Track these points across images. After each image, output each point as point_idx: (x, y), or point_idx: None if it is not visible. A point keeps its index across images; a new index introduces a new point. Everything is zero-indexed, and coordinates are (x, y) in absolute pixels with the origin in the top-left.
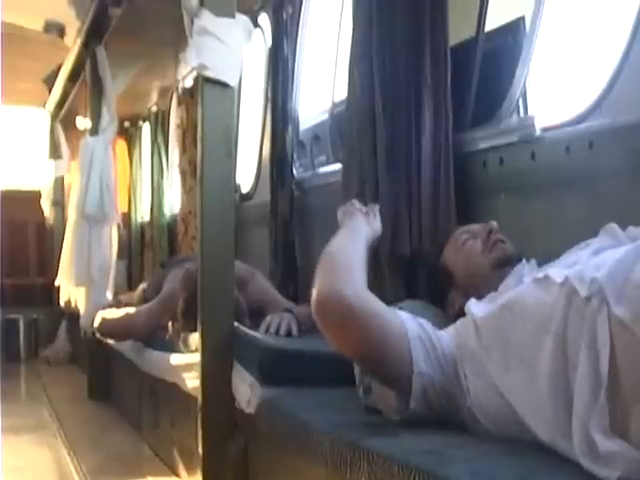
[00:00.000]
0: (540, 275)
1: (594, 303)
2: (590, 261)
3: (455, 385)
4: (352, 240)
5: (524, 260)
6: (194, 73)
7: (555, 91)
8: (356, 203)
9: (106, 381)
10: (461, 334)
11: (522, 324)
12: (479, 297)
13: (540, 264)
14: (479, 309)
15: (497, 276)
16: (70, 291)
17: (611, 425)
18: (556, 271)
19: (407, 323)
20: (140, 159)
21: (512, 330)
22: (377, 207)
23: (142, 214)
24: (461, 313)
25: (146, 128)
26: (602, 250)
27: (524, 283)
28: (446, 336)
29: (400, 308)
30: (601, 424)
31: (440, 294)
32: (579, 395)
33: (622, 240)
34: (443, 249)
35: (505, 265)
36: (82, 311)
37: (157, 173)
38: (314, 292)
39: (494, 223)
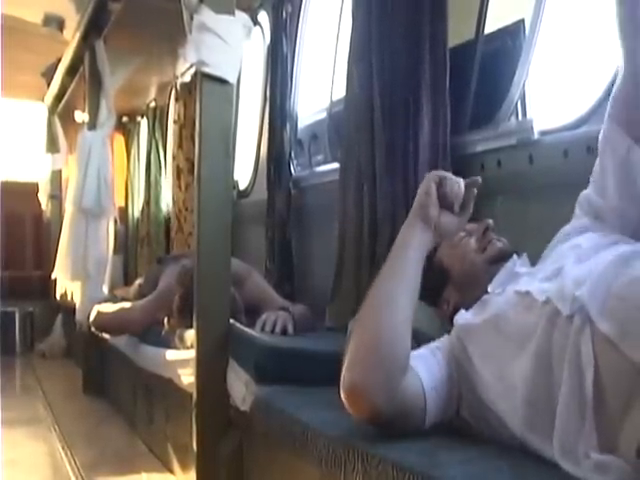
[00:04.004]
0: (522, 289)
1: (577, 321)
2: (573, 271)
3: (454, 400)
4: (404, 273)
5: (515, 255)
6: (193, 69)
7: (554, 95)
8: (448, 179)
9: (101, 376)
10: (450, 349)
11: (503, 341)
12: (474, 294)
13: (534, 265)
14: (466, 321)
15: (492, 272)
16: (66, 285)
17: (599, 443)
18: (537, 287)
19: (424, 381)
20: (138, 154)
21: (494, 346)
22: (473, 192)
23: (139, 209)
24: (455, 311)
25: (144, 123)
26: (586, 257)
27: (506, 292)
28: (442, 359)
29: None
30: (589, 444)
31: (434, 292)
32: (562, 417)
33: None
34: (437, 247)
35: (500, 261)
36: (78, 305)
37: (154, 168)
38: (344, 375)
39: (490, 221)
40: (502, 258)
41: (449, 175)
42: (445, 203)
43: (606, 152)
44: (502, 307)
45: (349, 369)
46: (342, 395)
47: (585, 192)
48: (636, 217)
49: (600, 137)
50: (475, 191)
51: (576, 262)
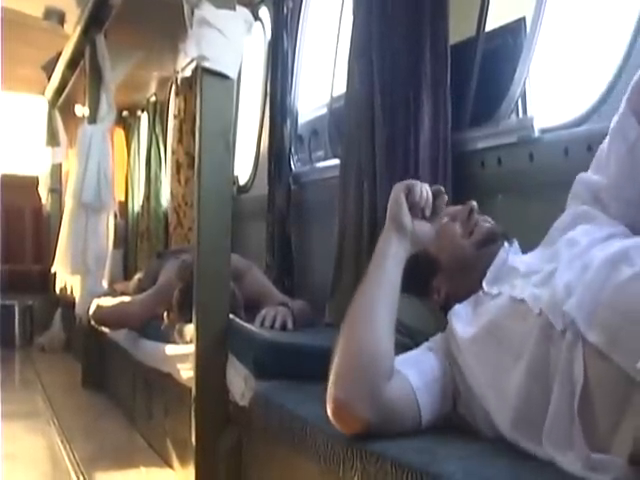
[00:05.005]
0: (517, 296)
1: (569, 337)
2: (564, 276)
3: (449, 398)
4: (382, 284)
5: (506, 244)
6: (193, 64)
7: (554, 93)
8: (416, 187)
9: (100, 370)
10: (446, 347)
11: (499, 352)
12: (466, 281)
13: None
14: (461, 327)
15: (482, 256)
16: (66, 279)
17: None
18: (531, 294)
19: (412, 381)
20: (138, 149)
21: (490, 356)
22: (444, 198)
23: (139, 204)
24: (448, 299)
25: (144, 118)
26: (579, 254)
27: (501, 297)
28: (434, 358)
29: None
30: (581, 453)
31: (422, 282)
32: (550, 424)
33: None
34: None
35: (489, 243)
36: (77, 299)
37: (155, 163)
38: (328, 392)
39: (474, 203)
40: (491, 240)
41: (416, 182)
42: (416, 211)
43: (616, 136)
44: (497, 313)
45: (332, 385)
46: (329, 413)
47: (581, 174)
48: (632, 199)
49: (614, 120)
50: (445, 197)
51: (569, 262)
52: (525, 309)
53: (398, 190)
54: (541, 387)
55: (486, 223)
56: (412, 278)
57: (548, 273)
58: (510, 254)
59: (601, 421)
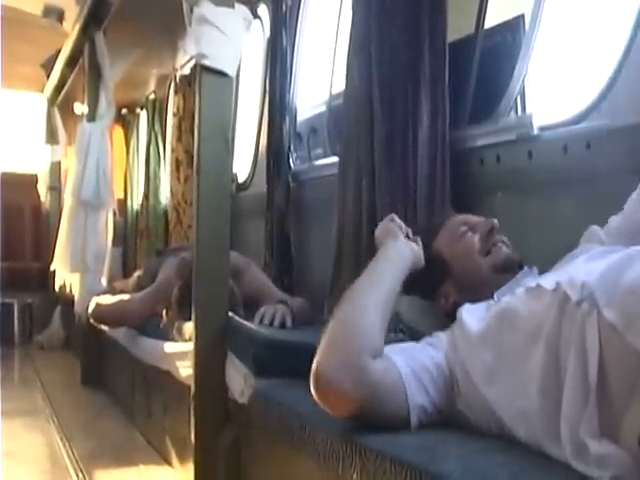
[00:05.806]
0: (532, 284)
1: (584, 307)
2: (583, 266)
3: (449, 394)
4: (379, 280)
5: (526, 267)
6: (192, 62)
7: (553, 90)
8: (397, 219)
9: (99, 367)
10: (451, 345)
11: (515, 335)
12: (475, 296)
13: (536, 263)
14: (473, 321)
15: (496, 280)
16: (65, 276)
17: (601, 430)
18: (548, 279)
19: (400, 365)
20: (137, 147)
21: (505, 342)
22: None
23: (138, 201)
24: (455, 308)
25: (143, 116)
26: (594, 258)
27: (517, 293)
28: (432, 351)
29: None
30: (591, 429)
31: (432, 285)
32: (568, 400)
33: (606, 242)
34: (435, 233)
35: (507, 271)
36: (77, 297)
37: (154, 161)
38: (313, 366)
39: (495, 221)
40: (508, 268)
41: (394, 215)
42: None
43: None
44: (509, 301)
45: (315, 360)
46: (312, 391)
47: (595, 227)
48: None
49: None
50: (418, 239)
51: (586, 261)
52: (540, 291)
53: (385, 220)
54: (557, 364)
55: (504, 247)
56: (421, 280)
57: (563, 269)
58: (529, 277)
59: (615, 398)
